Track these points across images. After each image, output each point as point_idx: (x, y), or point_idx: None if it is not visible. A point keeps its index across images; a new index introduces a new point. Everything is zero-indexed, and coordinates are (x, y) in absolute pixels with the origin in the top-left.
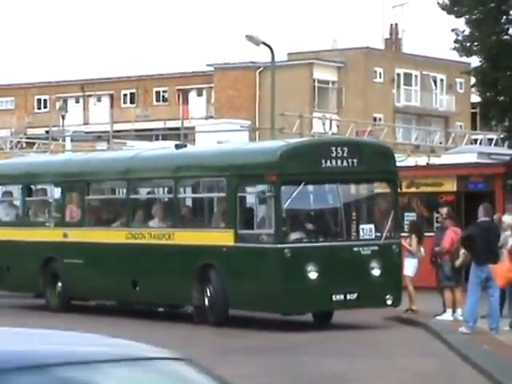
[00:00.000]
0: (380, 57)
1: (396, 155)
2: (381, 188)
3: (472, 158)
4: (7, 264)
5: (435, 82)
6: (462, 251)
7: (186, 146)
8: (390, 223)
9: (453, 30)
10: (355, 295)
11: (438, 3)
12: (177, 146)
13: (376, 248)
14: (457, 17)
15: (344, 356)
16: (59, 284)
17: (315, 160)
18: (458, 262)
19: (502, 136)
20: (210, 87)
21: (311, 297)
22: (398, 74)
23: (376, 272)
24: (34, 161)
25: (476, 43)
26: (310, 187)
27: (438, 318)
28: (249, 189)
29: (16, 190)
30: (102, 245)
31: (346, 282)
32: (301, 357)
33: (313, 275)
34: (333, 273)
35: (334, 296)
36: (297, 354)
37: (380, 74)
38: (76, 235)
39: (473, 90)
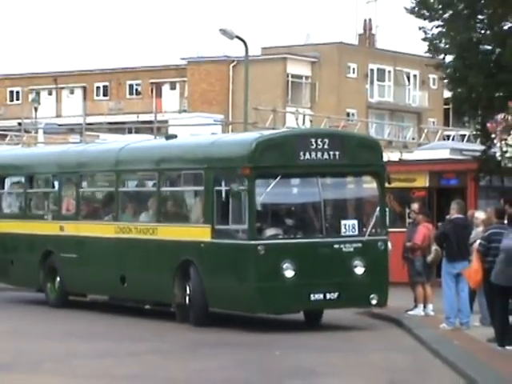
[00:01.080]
0: (354, 52)
1: None
2: (366, 182)
3: (444, 153)
4: (11, 258)
5: (408, 78)
6: (434, 247)
7: (176, 136)
8: (375, 219)
9: (420, 29)
10: (336, 294)
11: (406, 8)
12: (167, 137)
13: (359, 245)
14: (425, 19)
15: (316, 350)
16: (58, 279)
17: (293, 152)
18: (429, 258)
19: (474, 132)
20: (184, 81)
21: (287, 296)
22: (372, 70)
23: (359, 270)
24: (34, 152)
25: (445, 41)
26: (288, 181)
27: (409, 313)
28: (224, 182)
29: (18, 181)
30: (93, 239)
31: (326, 280)
32: (273, 351)
33: (289, 273)
34: (311, 271)
35: (312, 295)
36: (269, 348)
37: (353, 69)
38: (71, 229)
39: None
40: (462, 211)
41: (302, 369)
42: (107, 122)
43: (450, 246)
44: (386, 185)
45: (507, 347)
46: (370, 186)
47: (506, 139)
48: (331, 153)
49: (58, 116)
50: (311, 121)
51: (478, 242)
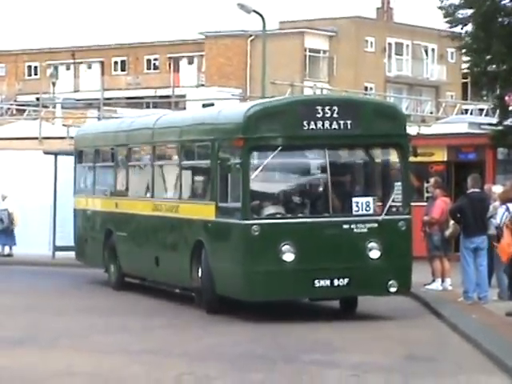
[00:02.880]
0: (371, 26)
1: None
2: (385, 155)
3: (463, 128)
4: (85, 236)
5: (426, 52)
6: (452, 222)
7: (213, 105)
8: (394, 196)
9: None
10: (346, 281)
11: None
12: (204, 106)
13: (374, 225)
14: None
15: (331, 326)
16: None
17: (295, 121)
18: (447, 232)
19: (492, 106)
20: (201, 55)
21: (286, 282)
22: (390, 44)
23: (374, 254)
24: (101, 125)
25: (465, 12)
26: (290, 153)
27: (427, 287)
28: (224, 155)
29: (89, 156)
30: (137, 217)
31: (334, 265)
32: (288, 328)
33: (288, 257)
34: (316, 254)
35: (317, 281)
36: (285, 325)
37: (371, 43)
38: (122, 206)
39: (463, 59)
40: (477, 185)
41: (319, 344)
42: (125, 96)
43: (467, 221)
44: (412, 158)
45: None
46: (389, 159)
47: None
48: (341, 122)
49: (76, 91)
50: None
51: (508, 216)
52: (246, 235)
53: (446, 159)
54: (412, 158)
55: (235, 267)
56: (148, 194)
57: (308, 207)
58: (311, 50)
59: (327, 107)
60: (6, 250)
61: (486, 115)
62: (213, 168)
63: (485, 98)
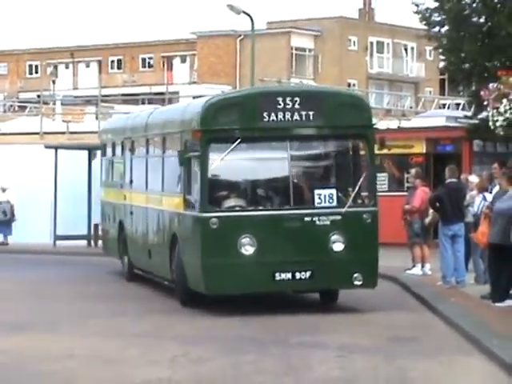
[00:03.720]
0: (354, 26)
1: None
2: (350, 146)
3: (440, 121)
4: (107, 227)
5: (406, 50)
6: (431, 210)
7: None
8: (359, 188)
9: (412, 3)
10: (308, 274)
11: None
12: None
13: (337, 218)
14: None
15: (318, 309)
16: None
17: (255, 113)
18: (427, 220)
19: (468, 101)
20: (193, 54)
21: (246, 276)
22: (371, 42)
23: (338, 246)
24: (122, 118)
25: (439, 14)
26: (251, 145)
27: (408, 272)
28: (189, 149)
29: (109, 149)
30: (135, 208)
31: (295, 258)
32: (277, 311)
33: (248, 250)
34: (276, 247)
35: (277, 275)
36: (273, 309)
37: (354, 42)
38: (127, 198)
39: (440, 56)
40: (454, 175)
41: (307, 327)
42: (121, 93)
43: (445, 209)
44: (384, 150)
45: (498, 304)
46: (353, 150)
47: (497, 107)
48: (303, 113)
49: (75, 88)
50: None
51: (486, 205)
52: (205, 228)
53: (425, 151)
54: (393, 150)
55: (196, 260)
56: (143, 187)
57: (269, 200)
58: (297, 49)
59: (288, 98)
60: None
61: (462, 109)
62: (180, 161)
63: (461, 94)
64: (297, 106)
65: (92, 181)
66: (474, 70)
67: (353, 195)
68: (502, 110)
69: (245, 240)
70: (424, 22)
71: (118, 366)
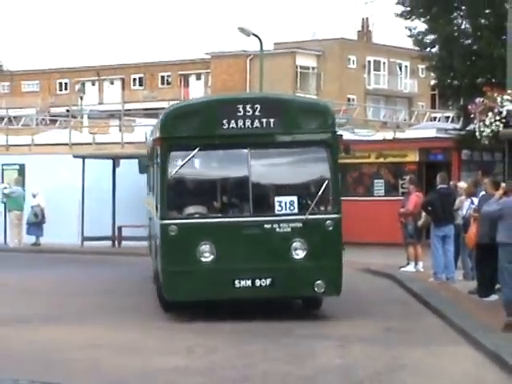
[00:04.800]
0: (353, 46)
1: (367, 131)
2: (312, 153)
3: (432, 133)
4: (149, 231)
5: (400, 68)
6: (424, 213)
7: None
8: (321, 195)
9: (406, 28)
10: (268, 281)
11: (396, 13)
12: None
13: (298, 225)
14: (412, 20)
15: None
16: None
17: (214, 121)
18: (420, 223)
19: (457, 114)
20: (208, 72)
21: (205, 283)
22: (369, 61)
23: (299, 254)
24: None
25: (432, 35)
26: (211, 153)
27: (402, 269)
28: (155, 156)
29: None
30: (150, 214)
31: (255, 265)
32: (275, 303)
33: (207, 257)
34: (236, 255)
35: (237, 282)
36: (271, 303)
37: (353, 61)
38: (149, 204)
39: (431, 74)
40: (445, 182)
41: (310, 319)
42: (142, 108)
43: (436, 212)
44: (381, 159)
45: (484, 298)
46: (316, 157)
47: (484, 120)
48: (264, 120)
49: (101, 103)
50: None
51: (473, 209)
52: (164, 235)
53: (417, 160)
54: (389, 159)
55: (160, 267)
56: (151, 194)
57: (229, 207)
58: (302, 67)
59: (248, 106)
60: (33, 239)
61: (451, 122)
62: (139, 168)
63: (450, 108)
64: (257, 113)
65: (116, 186)
66: (462, 86)
67: (314, 202)
68: (487, 122)
69: (204, 247)
70: (417, 45)
71: (139, 355)
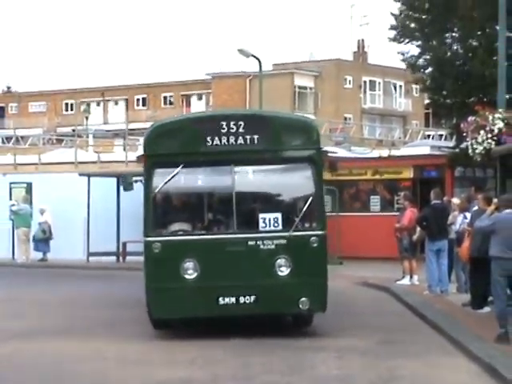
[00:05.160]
0: (349, 67)
1: (363, 148)
2: (296, 169)
3: (426, 150)
4: None
5: (395, 88)
6: (419, 228)
7: None
8: (305, 212)
9: (399, 53)
10: (252, 298)
11: (389, 38)
12: None
13: (283, 242)
14: (405, 44)
15: (317, 315)
16: None
17: (198, 138)
18: (415, 237)
19: (450, 132)
20: (209, 92)
21: (189, 300)
22: (365, 81)
23: (283, 271)
24: None
25: (424, 58)
26: (195, 170)
27: (398, 282)
28: (143, 173)
29: None
30: None
31: (239, 282)
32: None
33: (191, 274)
34: (220, 272)
35: (221, 299)
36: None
37: (349, 81)
38: None
39: (425, 94)
40: (439, 198)
41: (308, 332)
42: (146, 127)
43: (431, 227)
44: (377, 176)
45: (477, 310)
46: (300, 174)
47: (476, 138)
48: (248, 137)
49: (105, 123)
50: None
51: (467, 224)
52: (148, 252)
53: (412, 176)
54: (384, 176)
55: (144, 284)
56: None
57: (213, 224)
58: (300, 87)
59: (232, 122)
60: (40, 255)
61: (444, 140)
62: (123, 186)
63: (443, 126)
64: (241, 130)
65: (120, 203)
66: (454, 105)
67: (298, 219)
68: (479, 140)
69: (187, 264)
70: (410, 68)
71: (143, 367)
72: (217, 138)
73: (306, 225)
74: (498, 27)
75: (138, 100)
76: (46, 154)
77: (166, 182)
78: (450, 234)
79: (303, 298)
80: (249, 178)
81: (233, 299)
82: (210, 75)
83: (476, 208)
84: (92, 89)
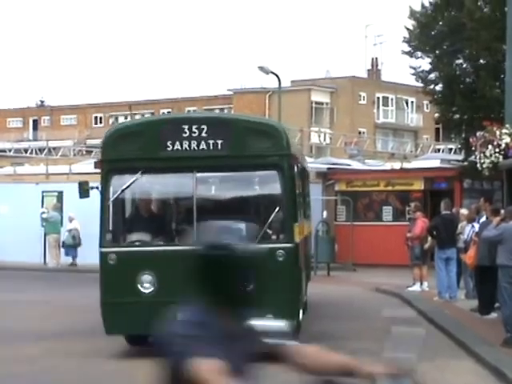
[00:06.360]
0: (364, 83)
1: (376, 161)
2: (262, 177)
3: (436, 163)
4: None
5: (407, 104)
6: (430, 237)
7: None
8: (271, 222)
9: (411, 67)
10: None
11: (402, 51)
12: None
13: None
14: (417, 59)
15: (333, 320)
16: None
17: (158, 142)
18: (426, 246)
19: (459, 146)
20: (230, 107)
21: (145, 315)
22: (378, 97)
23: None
24: None
25: (435, 74)
26: (155, 177)
27: (409, 289)
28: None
29: None
30: None
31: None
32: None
33: (147, 288)
34: (178, 285)
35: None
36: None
37: (363, 97)
38: None
39: (436, 109)
40: (448, 208)
41: (321, 334)
42: None
43: (440, 236)
44: (389, 187)
45: (485, 316)
46: (267, 181)
47: (484, 152)
48: (211, 142)
49: None
50: (330, 138)
51: (474, 233)
52: (103, 263)
53: (423, 188)
54: (396, 187)
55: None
56: None
57: (172, 235)
58: (316, 103)
59: (194, 126)
60: (69, 260)
61: (454, 153)
62: (79, 193)
63: (453, 140)
64: (204, 134)
65: None
66: (463, 120)
67: (263, 230)
68: (487, 154)
69: (144, 277)
70: (420, 81)
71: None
72: (178, 143)
73: (273, 237)
74: (505, 46)
75: (163, 113)
76: (76, 165)
77: (123, 190)
78: (458, 242)
79: (268, 315)
80: (211, 186)
81: None
82: (231, 91)
83: (484, 218)
84: (120, 103)
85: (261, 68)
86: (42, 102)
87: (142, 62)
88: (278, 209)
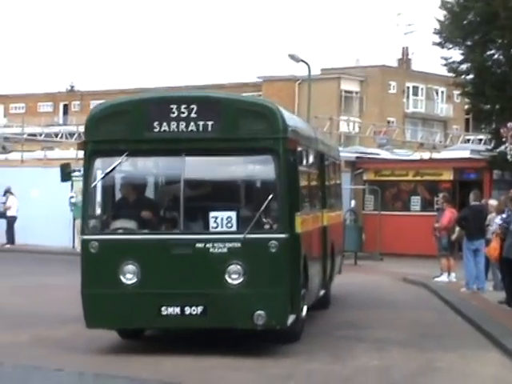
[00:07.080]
0: (394, 73)
1: (405, 151)
2: (256, 161)
3: (465, 153)
4: None
5: (437, 93)
6: (458, 228)
7: None
8: (264, 210)
9: (442, 58)
10: (200, 309)
11: (433, 42)
12: None
13: (236, 245)
14: (448, 49)
15: (359, 309)
16: None
17: (144, 123)
18: (453, 236)
19: (489, 137)
20: (260, 95)
21: (127, 308)
22: (408, 87)
23: (236, 279)
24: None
25: (466, 65)
26: (138, 159)
27: (436, 279)
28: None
29: None
30: None
31: (185, 290)
32: (325, 311)
33: (129, 279)
34: (163, 277)
35: (164, 309)
36: (322, 309)
37: (393, 86)
38: None
39: (466, 99)
40: (478, 199)
41: (348, 323)
42: None
43: (469, 227)
44: (417, 177)
45: None
46: (261, 166)
47: None
48: (201, 123)
49: None
50: (360, 127)
51: (495, 227)
52: (84, 252)
53: (452, 178)
54: (425, 177)
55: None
56: None
57: (158, 222)
58: (346, 92)
59: (183, 106)
60: None
61: (484, 144)
62: (61, 176)
63: (483, 131)
64: (193, 115)
65: None
66: (494, 111)
67: (255, 219)
68: None
69: (127, 267)
70: (452, 72)
71: (191, 352)
72: (165, 124)
73: (266, 226)
74: None
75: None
76: None
77: (107, 173)
78: (487, 234)
79: (258, 312)
80: (200, 171)
81: (177, 309)
82: (261, 78)
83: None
84: (150, 89)
85: (291, 56)
86: (72, 87)
87: (172, 48)
88: (271, 196)
